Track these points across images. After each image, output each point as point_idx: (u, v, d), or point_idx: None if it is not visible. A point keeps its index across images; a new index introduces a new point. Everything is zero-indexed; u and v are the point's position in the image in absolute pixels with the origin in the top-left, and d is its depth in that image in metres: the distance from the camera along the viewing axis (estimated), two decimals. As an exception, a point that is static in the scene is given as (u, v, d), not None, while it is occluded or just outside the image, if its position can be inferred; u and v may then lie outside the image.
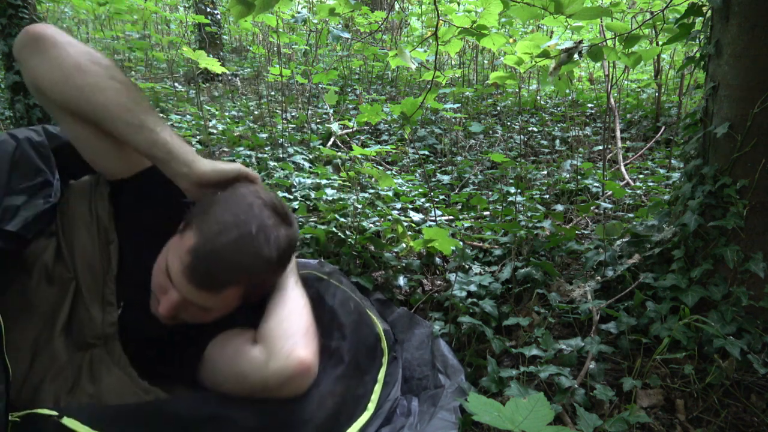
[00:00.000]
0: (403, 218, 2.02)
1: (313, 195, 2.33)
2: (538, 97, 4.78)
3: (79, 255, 1.10)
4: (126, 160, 1.13)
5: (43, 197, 1.07)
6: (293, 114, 4.10)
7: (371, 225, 1.93)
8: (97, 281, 1.09)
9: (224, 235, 0.98)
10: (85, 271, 1.09)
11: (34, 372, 1.03)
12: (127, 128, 0.99)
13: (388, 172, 3.02)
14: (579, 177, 2.65)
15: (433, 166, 3.21)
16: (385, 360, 1.27)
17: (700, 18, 1.51)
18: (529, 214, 2.05)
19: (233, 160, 2.83)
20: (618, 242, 1.69)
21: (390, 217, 1.99)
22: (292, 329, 1.05)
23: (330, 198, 2.25)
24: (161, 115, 4.01)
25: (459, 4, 4.62)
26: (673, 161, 2.84)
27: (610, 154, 3.15)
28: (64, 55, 0.98)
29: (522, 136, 3.69)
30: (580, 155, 3.33)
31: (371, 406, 1.14)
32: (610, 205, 2.32)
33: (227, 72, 4.72)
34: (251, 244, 0.99)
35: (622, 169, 2.80)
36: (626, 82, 4.85)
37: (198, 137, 3.30)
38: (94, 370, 1.06)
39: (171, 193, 1.11)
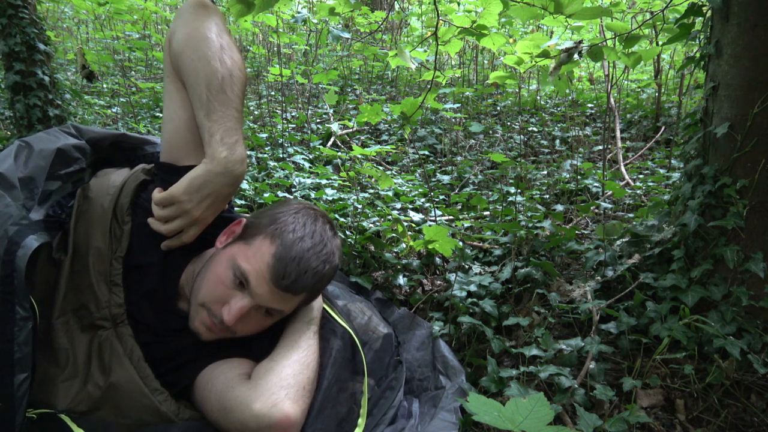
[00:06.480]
0: (403, 218, 2.02)
1: (313, 195, 2.33)
2: (538, 97, 4.78)
3: (91, 236, 1.12)
4: (188, 147, 1.18)
5: (73, 182, 1.18)
6: (293, 114, 4.10)
7: (371, 225, 1.93)
8: (103, 261, 1.11)
9: (302, 242, 1.06)
10: (93, 252, 1.11)
11: (39, 358, 1.03)
12: (197, 99, 1.08)
13: (388, 172, 3.02)
14: (579, 177, 2.65)
15: (433, 166, 3.21)
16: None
17: (700, 18, 1.51)
18: (529, 214, 2.05)
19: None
20: (618, 242, 1.68)
21: (390, 217, 1.98)
22: (290, 380, 1.03)
23: (330, 198, 2.25)
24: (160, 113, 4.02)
25: (459, 4, 4.62)
26: (673, 161, 2.84)
27: (610, 154, 3.15)
28: (205, 25, 1.12)
29: (522, 136, 3.69)
30: (580, 155, 3.33)
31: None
32: (610, 205, 2.32)
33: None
34: (323, 252, 1.09)
35: (622, 169, 2.80)
36: (626, 82, 4.85)
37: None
38: (104, 359, 1.07)
39: None
